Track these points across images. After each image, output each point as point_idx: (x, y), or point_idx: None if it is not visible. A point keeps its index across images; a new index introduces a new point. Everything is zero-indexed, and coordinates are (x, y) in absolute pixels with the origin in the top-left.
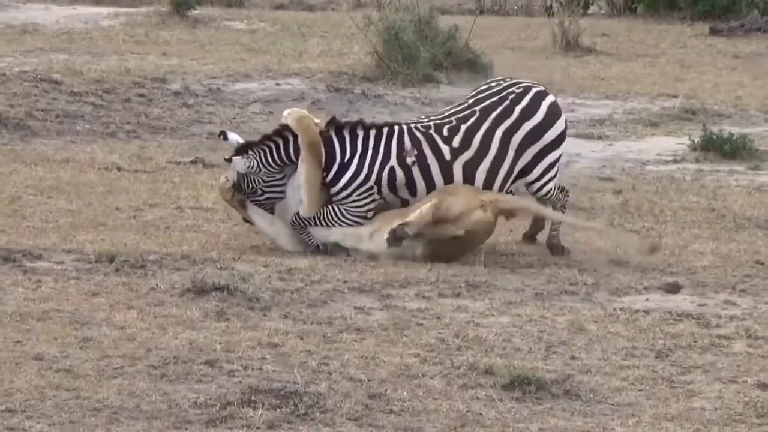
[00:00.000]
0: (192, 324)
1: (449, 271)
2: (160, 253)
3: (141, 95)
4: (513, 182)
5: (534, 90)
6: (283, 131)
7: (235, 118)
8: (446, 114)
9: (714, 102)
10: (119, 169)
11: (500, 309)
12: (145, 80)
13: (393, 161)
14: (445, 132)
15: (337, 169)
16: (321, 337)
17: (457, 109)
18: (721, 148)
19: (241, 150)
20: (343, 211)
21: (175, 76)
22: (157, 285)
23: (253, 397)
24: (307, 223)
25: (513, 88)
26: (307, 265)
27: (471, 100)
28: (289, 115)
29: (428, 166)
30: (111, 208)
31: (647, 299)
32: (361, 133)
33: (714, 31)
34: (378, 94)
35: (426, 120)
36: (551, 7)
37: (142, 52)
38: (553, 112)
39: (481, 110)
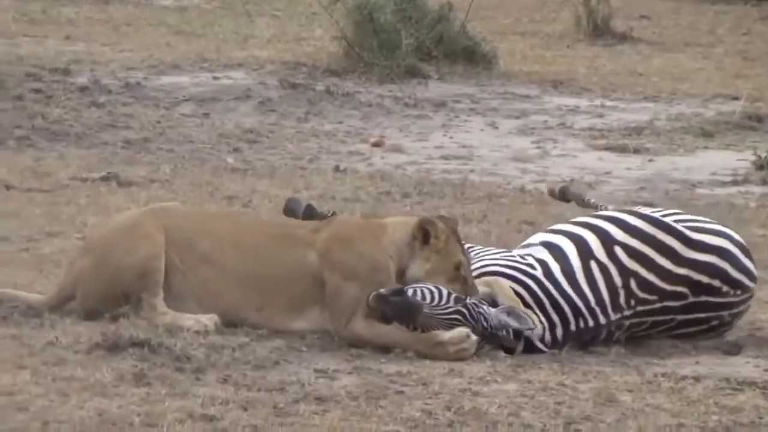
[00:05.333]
0: (102, 389)
1: None
2: None
3: (37, 90)
4: None
5: None
6: None
7: (159, 122)
8: None
9: None
10: (8, 187)
11: (505, 373)
12: (43, 71)
13: None
14: None
15: None
16: (271, 408)
17: None
18: None
19: None
20: None
21: (81, 66)
22: (56, 339)
23: None
24: None
25: None
26: None
27: None
28: None
29: None
30: None
31: (697, 362)
32: None
33: None
34: (347, 91)
35: None
36: None
37: (38, 34)
38: None
39: None
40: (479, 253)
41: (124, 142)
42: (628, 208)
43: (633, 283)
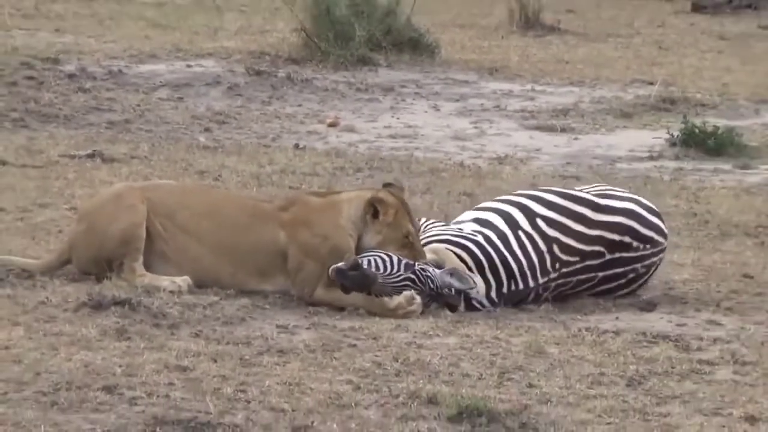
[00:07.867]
0: (88, 344)
1: None
2: None
3: (30, 78)
4: None
5: None
6: None
7: (139, 105)
8: None
9: (696, 90)
10: (4, 163)
11: (446, 328)
12: (35, 60)
13: None
14: None
15: None
16: (238, 359)
17: None
18: (705, 144)
19: None
20: None
21: (69, 55)
22: (47, 298)
23: (158, 429)
24: None
25: None
26: None
27: None
28: None
29: None
30: None
31: (617, 318)
32: None
33: (697, 8)
34: (305, 78)
35: None
36: None
37: (31, 27)
38: None
39: None
40: (430, 226)
41: (108, 123)
42: (544, 187)
43: (556, 248)
